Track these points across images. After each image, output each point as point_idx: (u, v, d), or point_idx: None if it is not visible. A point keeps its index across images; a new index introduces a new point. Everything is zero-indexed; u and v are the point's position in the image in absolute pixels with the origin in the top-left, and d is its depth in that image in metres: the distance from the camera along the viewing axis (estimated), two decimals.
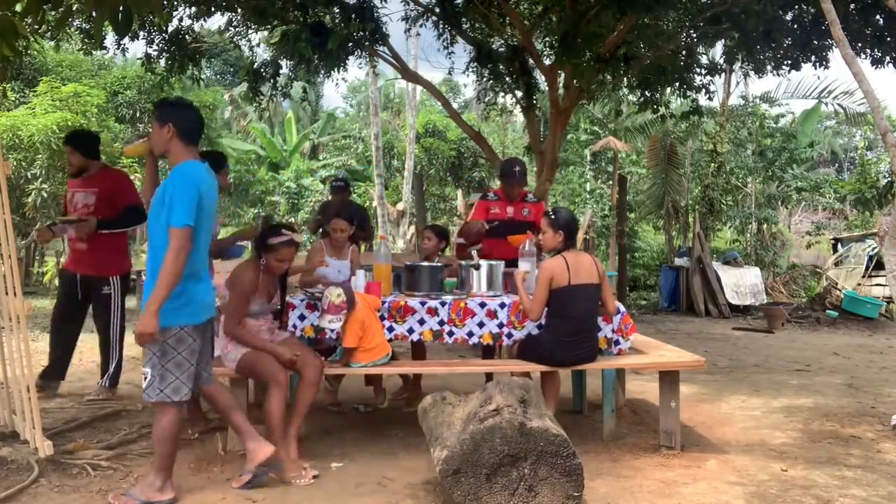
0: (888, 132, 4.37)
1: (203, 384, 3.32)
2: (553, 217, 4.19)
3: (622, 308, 4.44)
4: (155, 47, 8.67)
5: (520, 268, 4.42)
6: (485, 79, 9.57)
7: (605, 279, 4.20)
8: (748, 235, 15.71)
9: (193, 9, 8.27)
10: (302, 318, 4.22)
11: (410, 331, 4.26)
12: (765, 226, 15.85)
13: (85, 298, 5.13)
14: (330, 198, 7.66)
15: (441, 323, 4.25)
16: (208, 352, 3.36)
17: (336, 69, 8.51)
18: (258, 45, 10.31)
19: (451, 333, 4.26)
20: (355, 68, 48.17)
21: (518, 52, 8.98)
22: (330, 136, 24.02)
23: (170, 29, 8.46)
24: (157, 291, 2.96)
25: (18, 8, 3.77)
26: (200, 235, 3.12)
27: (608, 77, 8.73)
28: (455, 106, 14.64)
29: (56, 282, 6.18)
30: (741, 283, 12.14)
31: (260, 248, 3.74)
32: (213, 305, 3.29)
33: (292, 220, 17.66)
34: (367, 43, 8.26)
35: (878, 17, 7.25)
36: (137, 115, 15.00)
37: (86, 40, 8.64)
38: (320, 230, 5.33)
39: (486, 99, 10.17)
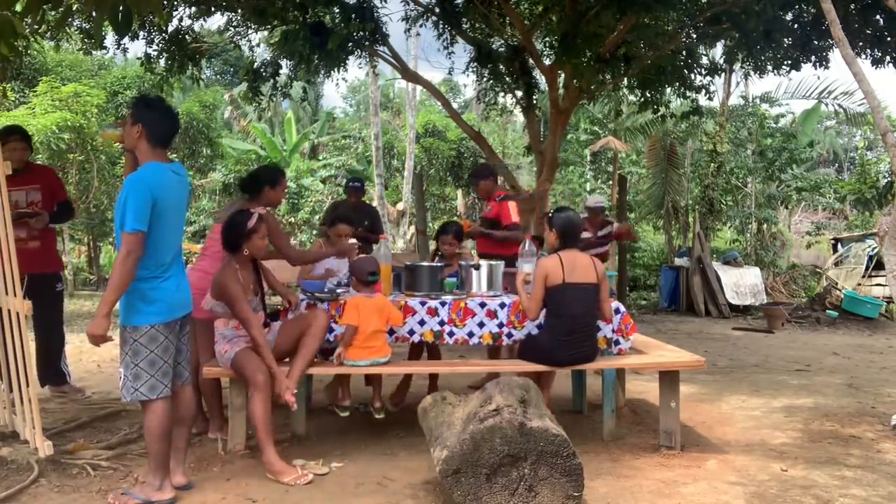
0: (888, 132, 4.37)
1: (181, 382, 3.31)
2: (550, 217, 4.28)
3: (622, 308, 4.44)
4: (155, 47, 8.66)
5: (518, 267, 4.45)
6: (485, 79, 9.57)
7: (604, 281, 4.19)
8: (748, 235, 15.71)
9: (193, 9, 8.27)
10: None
11: (411, 332, 4.26)
12: (765, 226, 15.85)
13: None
14: (344, 196, 7.52)
15: (441, 323, 4.26)
16: (186, 349, 3.35)
17: (336, 69, 8.51)
18: (258, 45, 10.32)
19: (451, 334, 4.27)
20: (355, 68, 48.24)
21: (518, 52, 8.98)
22: (330, 136, 24.00)
23: (170, 29, 8.46)
24: (106, 295, 3.00)
25: (18, 8, 3.77)
26: (163, 235, 3.12)
27: (608, 77, 8.74)
28: (455, 106, 14.63)
29: None
30: (741, 283, 12.14)
31: (240, 238, 3.72)
32: (186, 303, 3.28)
33: (291, 219, 17.64)
34: (367, 43, 8.26)
35: (878, 17, 7.25)
36: None
37: (86, 40, 8.63)
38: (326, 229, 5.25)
39: (486, 99, 10.15)
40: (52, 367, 5.16)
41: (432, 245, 6.14)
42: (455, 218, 21.38)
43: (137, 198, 2.99)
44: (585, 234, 6.24)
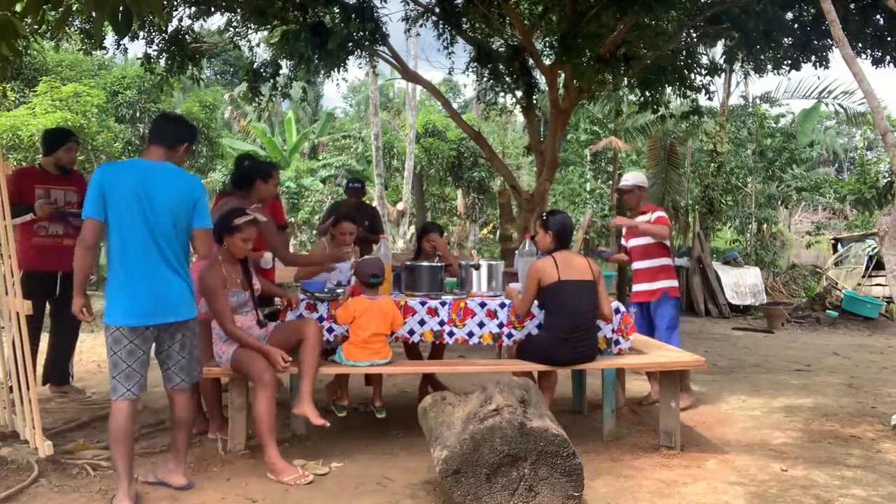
0: (888, 132, 4.37)
1: (172, 386, 3.31)
2: (545, 219, 4.29)
3: (622, 308, 4.45)
4: (155, 47, 8.65)
5: (516, 262, 4.63)
6: (485, 79, 9.56)
7: (600, 280, 4.20)
8: (748, 235, 15.71)
9: (193, 9, 8.26)
10: (300, 318, 4.22)
11: (411, 332, 4.26)
12: (765, 226, 15.86)
13: (49, 298, 5.01)
14: (345, 197, 7.52)
15: (441, 323, 4.26)
16: (179, 355, 3.28)
17: (336, 69, 8.51)
18: (258, 45, 10.31)
19: (451, 334, 4.27)
20: (355, 68, 48.28)
21: (518, 52, 8.97)
22: (330, 136, 24.01)
23: (170, 29, 8.45)
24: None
25: (18, 8, 3.76)
26: (124, 231, 3.08)
27: (608, 77, 8.73)
28: (455, 106, 14.63)
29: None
30: (741, 283, 12.15)
31: (221, 233, 3.71)
32: (167, 311, 3.15)
33: (291, 220, 17.65)
34: (367, 43, 8.25)
35: (878, 17, 7.24)
36: (137, 115, 14.99)
37: (86, 40, 8.62)
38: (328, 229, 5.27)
39: (486, 99, 10.15)
40: (57, 367, 5.22)
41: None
42: (455, 218, 21.42)
43: (90, 186, 3.10)
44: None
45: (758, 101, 15.94)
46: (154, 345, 3.22)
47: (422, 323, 4.26)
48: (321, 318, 4.23)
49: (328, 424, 3.72)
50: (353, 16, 7.62)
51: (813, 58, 8.00)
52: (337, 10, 7.96)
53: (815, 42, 7.75)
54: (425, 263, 4.60)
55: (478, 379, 5.35)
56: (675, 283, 5.27)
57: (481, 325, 4.28)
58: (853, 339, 9.35)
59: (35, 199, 4.88)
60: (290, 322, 4.04)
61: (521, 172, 20.53)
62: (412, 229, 18.63)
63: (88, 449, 3.87)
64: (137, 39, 8.54)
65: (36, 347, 5.00)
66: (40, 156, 10.80)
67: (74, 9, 6.81)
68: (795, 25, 7.75)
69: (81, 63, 15.33)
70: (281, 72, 9.27)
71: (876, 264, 11.85)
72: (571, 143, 16.72)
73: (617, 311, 4.38)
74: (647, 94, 9.28)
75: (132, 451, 3.18)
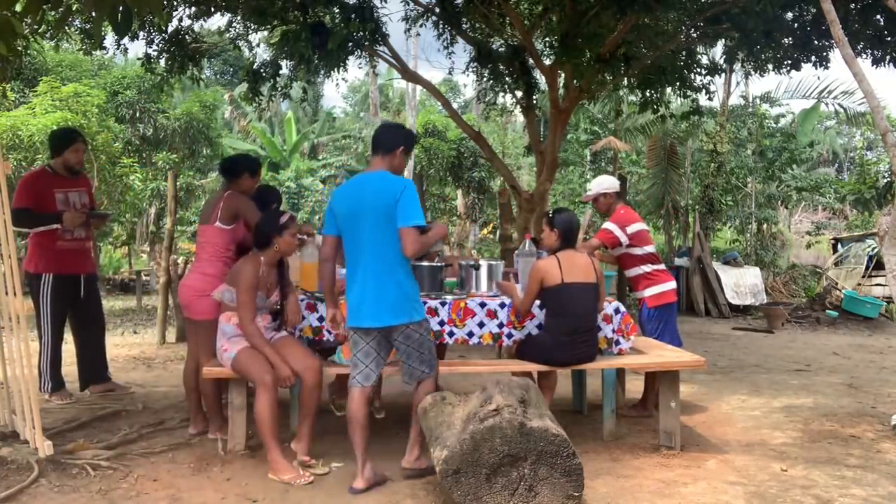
0: (888, 132, 4.37)
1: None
2: (551, 217, 4.26)
3: (622, 308, 4.45)
4: (155, 47, 8.65)
5: (516, 262, 4.64)
6: (485, 79, 9.56)
7: (601, 281, 4.20)
8: (748, 235, 15.71)
9: (193, 9, 8.26)
10: (301, 318, 4.22)
11: None
12: (765, 226, 15.85)
13: (72, 299, 5.05)
14: None
15: (441, 323, 4.25)
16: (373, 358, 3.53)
17: (336, 69, 8.51)
18: (258, 45, 10.31)
19: (451, 334, 4.26)
20: (355, 68, 48.32)
21: (518, 52, 8.98)
22: (329, 136, 24.04)
23: (170, 29, 8.45)
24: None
25: (18, 8, 3.76)
26: (346, 245, 3.47)
27: (608, 77, 8.73)
28: (455, 106, 14.61)
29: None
30: (741, 283, 12.15)
31: (271, 234, 3.73)
32: (364, 316, 3.42)
33: None
34: (367, 43, 8.25)
35: (878, 17, 7.24)
36: (137, 115, 14.99)
37: (86, 40, 8.62)
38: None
39: (486, 99, 10.15)
40: (91, 368, 5.23)
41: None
42: (455, 218, 21.42)
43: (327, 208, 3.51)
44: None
45: (758, 101, 15.94)
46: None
47: None
48: (321, 318, 4.23)
49: (312, 480, 3.51)
50: (353, 16, 7.62)
51: (813, 58, 8.00)
52: (337, 10, 7.96)
53: (815, 42, 7.75)
54: (425, 263, 4.59)
55: (478, 379, 5.35)
56: (655, 290, 4.94)
57: (481, 325, 4.28)
58: (853, 339, 9.35)
59: (55, 203, 4.90)
60: (296, 350, 3.85)
61: (521, 172, 20.52)
62: None
63: (88, 449, 3.87)
64: (137, 39, 8.54)
65: (59, 349, 5.05)
66: (40, 156, 10.84)
67: (74, 9, 6.81)
68: (795, 25, 7.75)
69: (81, 63, 15.34)
70: (281, 72, 9.26)
71: (876, 264, 11.85)
72: (571, 143, 16.71)
73: (617, 311, 4.38)
74: (647, 94, 9.29)
75: (365, 436, 3.41)
